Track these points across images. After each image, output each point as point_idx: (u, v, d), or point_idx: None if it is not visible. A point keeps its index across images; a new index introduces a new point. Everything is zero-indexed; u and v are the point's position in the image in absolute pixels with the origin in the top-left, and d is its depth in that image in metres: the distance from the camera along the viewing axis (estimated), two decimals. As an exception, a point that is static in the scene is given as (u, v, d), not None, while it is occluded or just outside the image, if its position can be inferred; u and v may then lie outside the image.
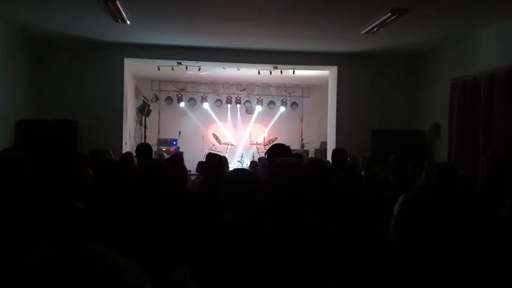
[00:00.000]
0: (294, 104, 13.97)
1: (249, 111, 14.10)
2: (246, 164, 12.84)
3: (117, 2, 5.86)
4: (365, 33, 7.18)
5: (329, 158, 6.79)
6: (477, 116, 6.85)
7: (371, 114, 9.12)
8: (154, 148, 12.36)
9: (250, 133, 14.08)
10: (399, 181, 4.99)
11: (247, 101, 13.88)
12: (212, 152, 5.67)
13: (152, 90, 13.21)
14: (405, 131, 8.72)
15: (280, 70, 10.03)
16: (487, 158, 4.47)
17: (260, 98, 13.78)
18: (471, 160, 6.82)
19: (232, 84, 13.74)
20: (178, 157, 6.62)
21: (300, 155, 8.13)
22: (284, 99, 13.93)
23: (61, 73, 8.61)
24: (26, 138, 7.60)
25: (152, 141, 12.24)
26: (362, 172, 6.63)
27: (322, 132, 12.42)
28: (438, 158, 7.84)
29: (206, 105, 13.64)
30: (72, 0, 6.06)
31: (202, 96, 13.59)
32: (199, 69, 10.23)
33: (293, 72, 10.21)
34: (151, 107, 11.36)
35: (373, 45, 8.29)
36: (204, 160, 7.24)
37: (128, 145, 9.88)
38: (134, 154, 5.22)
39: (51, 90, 8.50)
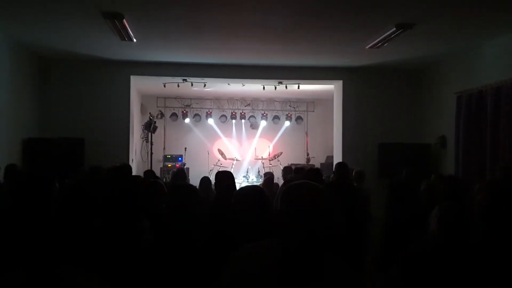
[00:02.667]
0: (299, 118, 13.94)
1: (253, 126, 14.12)
2: (252, 179, 12.84)
3: (124, 20, 5.93)
4: (370, 48, 7.21)
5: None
6: (483, 128, 6.84)
7: (377, 128, 9.12)
8: (160, 164, 12.42)
9: (255, 148, 14.07)
10: (394, 196, 4.92)
11: (251, 116, 13.90)
12: (221, 170, 5.60)
13: (157, 106, 13.29)
14: (411, 144, 8.69)
15: (285, 85, 10.05)
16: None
17: (264, 113, 13.80)
18: (478, 172, 6.80)
19: (237, 100, 13.78)
20: (180, 174, 6.49)
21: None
22: (288, 113, 13.93)
23: (67, 91, 8.66)
24: (33, 156, 7.63)
25: (158, 157, 12.28)
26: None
27: (327, 146, 12.41)
28: (444, 171, 7.80)
29: (211, 121, 13.69)
30: (78, 19, 6.11)
31: (207, 112, 13.64)
32: (204, 85, 10.28)
33: (298, 87, 10.24)
34: (156, 124, 11.40)
35: (378, 59, 8.32)
36: (208, 175, 7.23)
37: (135, 162, 9.89)
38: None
39: (57, 108, 8.54)
